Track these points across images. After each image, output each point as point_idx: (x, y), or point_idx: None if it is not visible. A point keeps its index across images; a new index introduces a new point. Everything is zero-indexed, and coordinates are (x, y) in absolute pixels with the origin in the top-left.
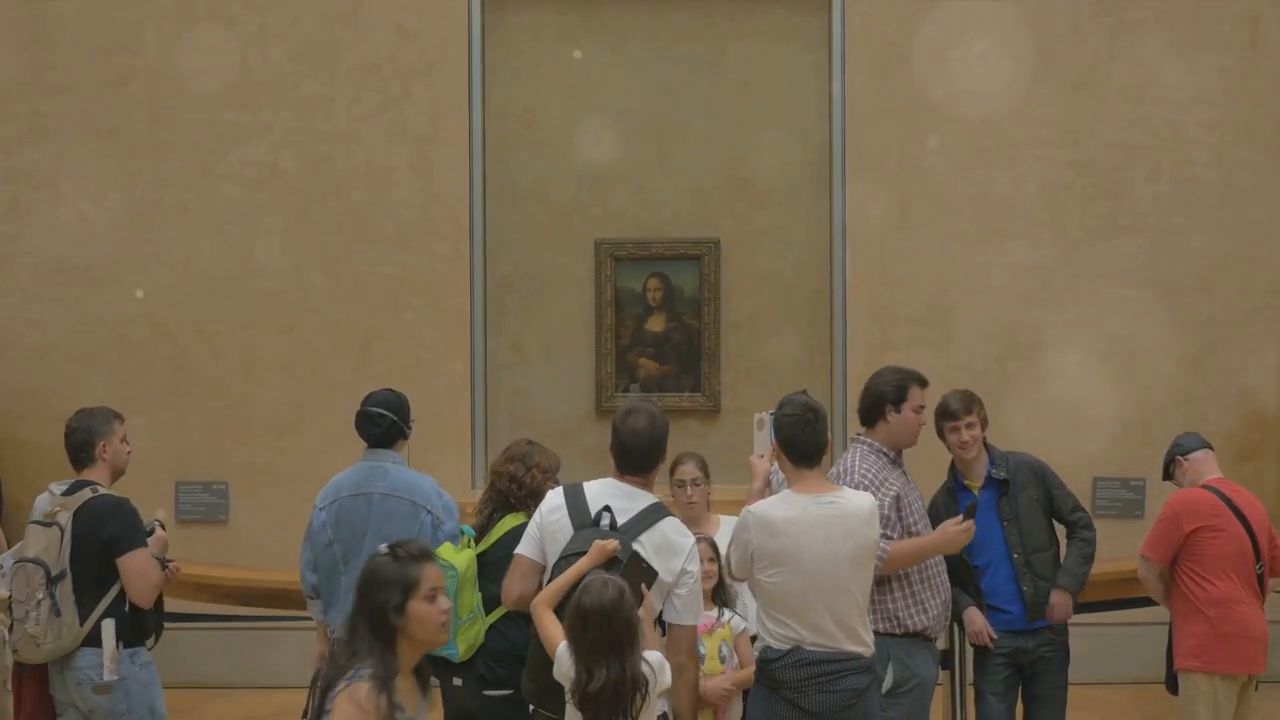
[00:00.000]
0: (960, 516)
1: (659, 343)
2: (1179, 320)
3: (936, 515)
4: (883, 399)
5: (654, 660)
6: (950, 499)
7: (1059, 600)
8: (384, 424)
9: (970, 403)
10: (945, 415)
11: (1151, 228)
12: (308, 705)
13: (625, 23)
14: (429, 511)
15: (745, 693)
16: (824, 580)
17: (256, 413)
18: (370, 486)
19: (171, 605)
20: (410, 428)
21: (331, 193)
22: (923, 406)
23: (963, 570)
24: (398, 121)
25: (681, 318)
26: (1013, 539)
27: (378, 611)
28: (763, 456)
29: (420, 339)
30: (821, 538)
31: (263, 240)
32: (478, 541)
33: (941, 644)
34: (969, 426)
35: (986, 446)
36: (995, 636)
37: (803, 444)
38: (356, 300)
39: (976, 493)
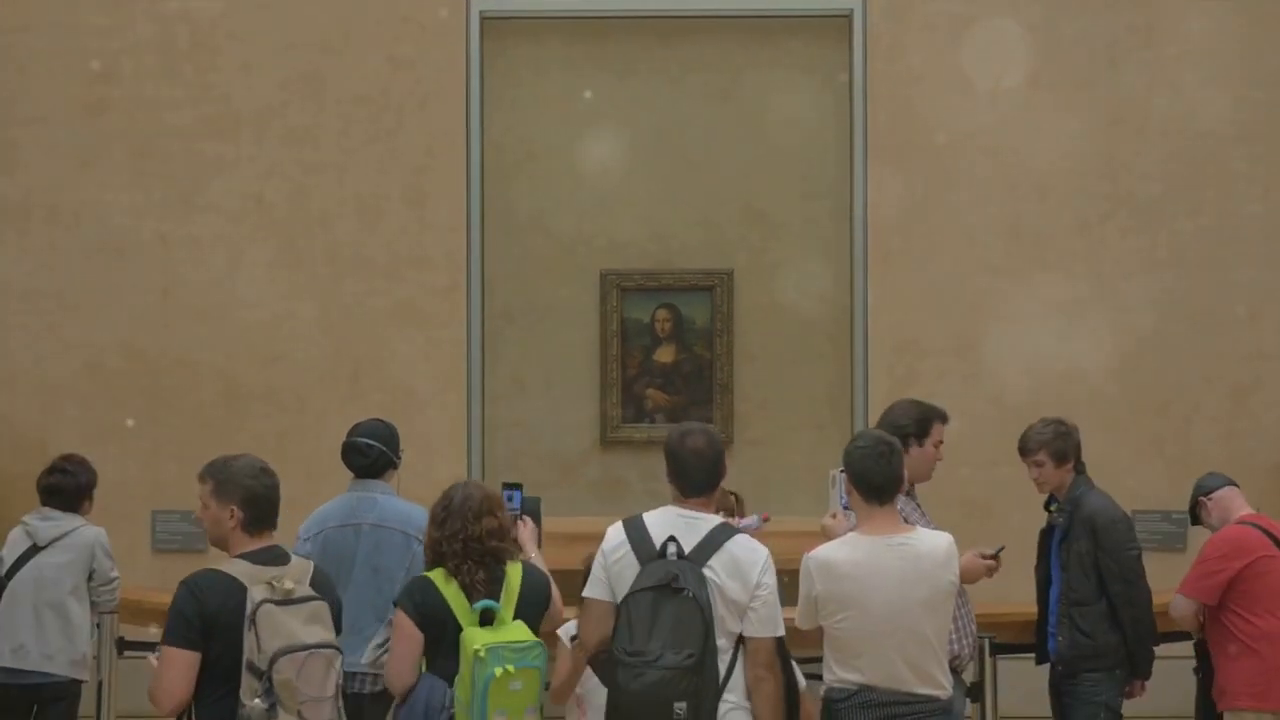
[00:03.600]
0: (991, 550)
1: (668, 374)
2: (1222, 354)
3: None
4: (904, 432)
5: None
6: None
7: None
8: (372, 454)
9: (1037, 443)
10: (1019, 450)
11: (1193, 262)
12: None
13: (633, 54)
14: (421, 541)
15: None
16: (895, 625)
17: (238, 443)
18: (358, 517)
19: (149, 635)
20: (400, 458)
21: (319, 224)
22: (941, 442)
23: (1040, 595)
24: (389, 152)
25: (692, 349)
26: (1062, 586)
27: None
28: (835, 516)
29: (413, 370)
30: (891, 581)
31: (246, 271)
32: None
33: (969, 676)
34: (1035, 465)
35: (1078, 474)
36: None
37: (875, 477)
38: (345, 331)
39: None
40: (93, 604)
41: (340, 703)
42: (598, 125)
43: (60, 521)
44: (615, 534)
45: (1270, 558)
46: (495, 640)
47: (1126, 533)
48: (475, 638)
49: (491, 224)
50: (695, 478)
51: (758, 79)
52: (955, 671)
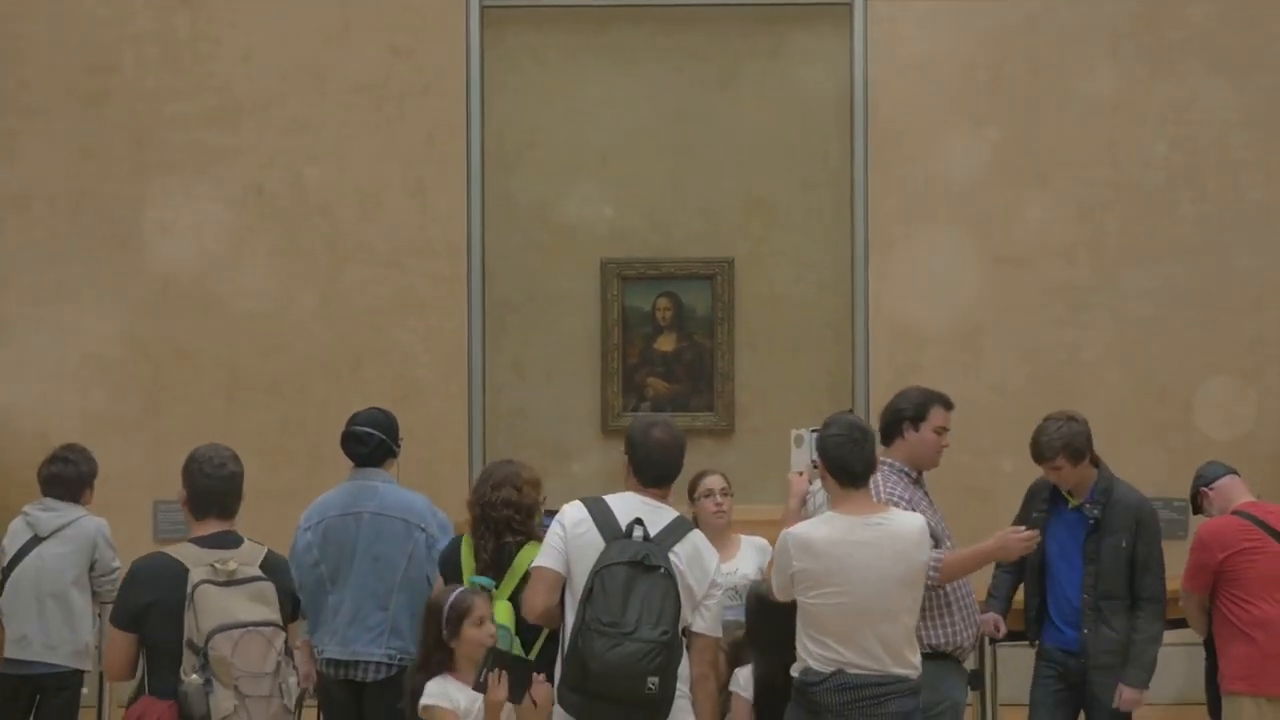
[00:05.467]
0: (1024, 527)
1: (669, 362)
2: (1224, 341)
3: (1033, 501)
4: (901, 416)
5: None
6: (1050, 496)
7: (1126, 696)
8: (372, 443)
9: (1054, 449)
10: (1034, 457)
11: (1196, 249)
12: None
13: (633, 43)
14: (423, 530)
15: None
16: (870, 603)
17: (240, 432)
18: (359, 506)
19: None
20: (399, 446)
21: (319, 213)
22: (945, 429)
23: (1032, 579)
24: (390, 141)
25: (693, 337)
26: (1088, 579)
27: None
28: (801, 474)
29: (415, 359)
30: (868, 560)
31: (246, 260)
32: (498, 585)
33: (970, 664)
34: (1053, 470)
35: (1099, 470)
36: (1002, 630)
37: (850, 464)
38: (346, 320)
39: (1069, 507)
40: (94, 594)
41: (284, 679)
42: (598, 113)
43: (62, 512)
44: (577, 510)
45: (1256, 546)
46: None
47: (1159, 525)
48: None
49: (492, 212)
50: (655, 469)
51: (758, 67)
52: (956, 660)
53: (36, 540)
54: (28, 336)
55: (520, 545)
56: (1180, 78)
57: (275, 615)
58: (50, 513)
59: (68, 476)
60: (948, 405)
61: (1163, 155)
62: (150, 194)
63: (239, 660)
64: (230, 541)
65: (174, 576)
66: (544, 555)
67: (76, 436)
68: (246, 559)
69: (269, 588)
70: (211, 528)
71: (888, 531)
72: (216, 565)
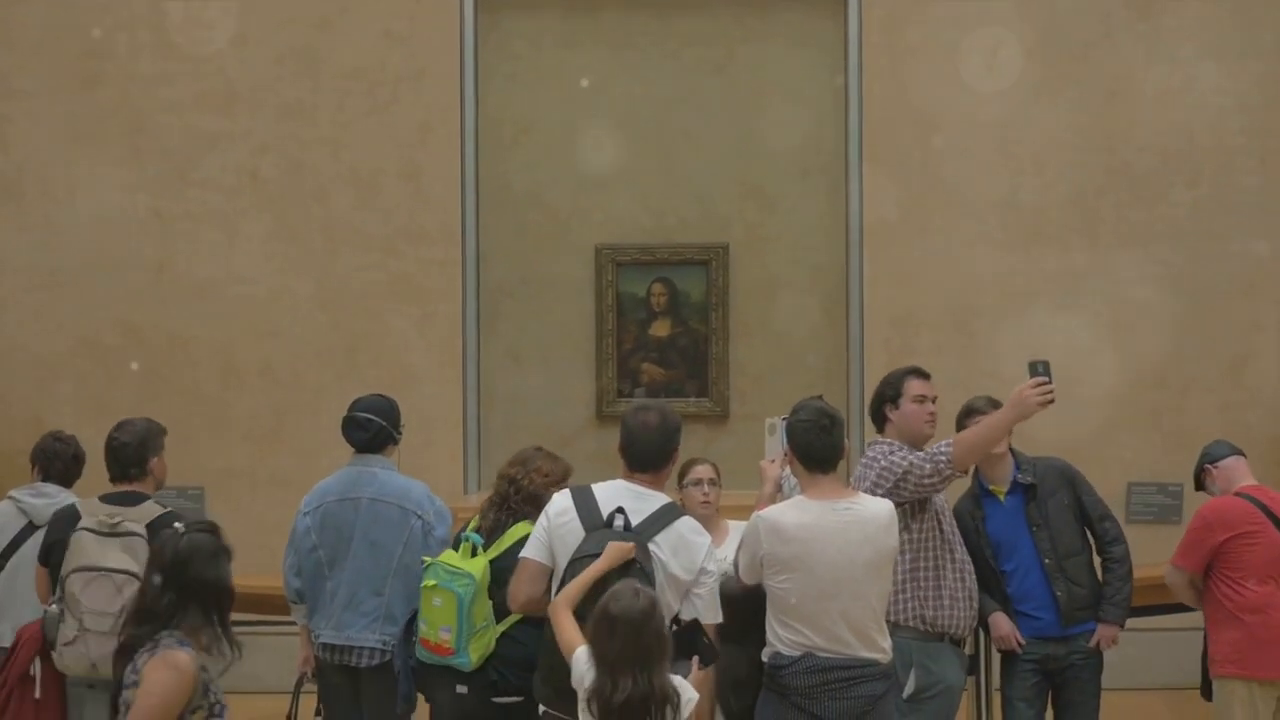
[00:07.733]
0: (1030, 380)
1: (663, 348)
2: (1219, 326)
3: (962, 524)
4: (881, 399)
5: (678, 683)
6: (975, 504)
7: (1105, 633)
8: (372, 429)
9: (995, 403)
10: (970, 413)
11: (1190, 233)
12: (290, 710)
13: (628, 28)
14: (420, 517)
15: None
16: (839, 587)
17: (234, 418)
18: (358, 491)
19: None
20: (400, 433)
21: (314, 198)
22: (924, 397)
23: (989, 575)
24: (385, 127)
25: (688, 323)
26: (1043, 544)
27: None
28: (773, 461)
29: (410, 344)
30: (837, 544)
31: (241, 246)
32: (486, 548)
33: (967, 649)
34: None
35: (1013, 452)
36: (1023, 641)
37: (818, 450)
38: (341, 306)
39: (1002, 498)
40: None
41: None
42: (593, 99)
43: (55, 498)
44: (562, 500)
45: (1258, 530)
46: (444, 560)
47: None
48: (442, 556)
49: (487, 198)
50: (639, 453)
51: (753, 53)
52: (956, 643)
53: (33, 527)
54: (22, 322)
55: (514, 521)
56: (1175, 63)
57: (136, 567)
58: (44, 499)
59: (65, 456)
60: (920, 375)
61: (1157, 140)
62: (144, 179)
63: (85, 598)
64: (132, 500)
65: (70, 521)
66: (528, 546)
67: (71, 422)
68: (136, 517)
69: (140, 543)
70: (120, 488)
71: (857, 516)
72: (104, 518)
